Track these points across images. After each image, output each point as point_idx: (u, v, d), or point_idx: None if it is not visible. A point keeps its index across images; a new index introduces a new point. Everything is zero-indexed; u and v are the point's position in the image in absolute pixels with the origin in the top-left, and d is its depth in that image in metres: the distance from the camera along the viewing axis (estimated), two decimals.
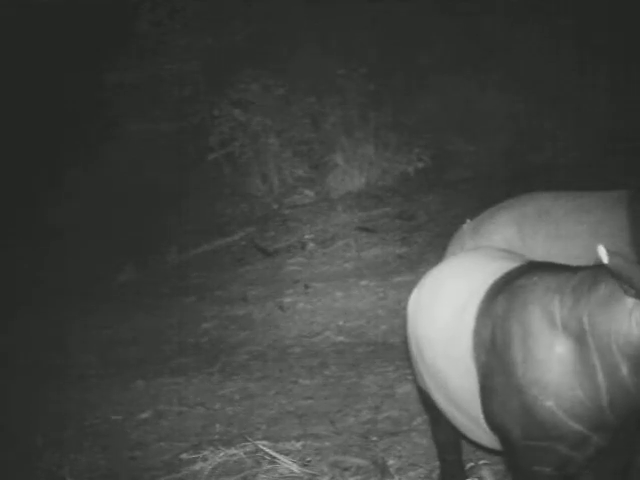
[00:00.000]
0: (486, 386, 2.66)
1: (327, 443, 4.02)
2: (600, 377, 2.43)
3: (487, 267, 2.86)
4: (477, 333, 2.68)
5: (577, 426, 2.49)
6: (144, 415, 4.67)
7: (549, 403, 2.50)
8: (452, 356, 2.77)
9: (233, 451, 3.99)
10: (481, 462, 3.58)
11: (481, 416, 2.71)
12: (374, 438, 4.02)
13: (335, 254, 7.08)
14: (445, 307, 2.88)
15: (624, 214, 3.63)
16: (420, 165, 8.39)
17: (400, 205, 7.88)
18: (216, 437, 4.24)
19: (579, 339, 2.46)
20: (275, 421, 4.37)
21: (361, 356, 5.12)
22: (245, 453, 3.97)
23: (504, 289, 2.68)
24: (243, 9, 9.40)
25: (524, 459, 2.61)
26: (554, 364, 2.50)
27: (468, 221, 3.92)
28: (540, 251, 3.53)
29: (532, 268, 2.72)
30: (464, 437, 3.05)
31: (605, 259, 2.34)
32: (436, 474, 3.52)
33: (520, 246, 3.56)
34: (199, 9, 9.54)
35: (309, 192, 8.58)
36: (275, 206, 8.48)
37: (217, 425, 4.42)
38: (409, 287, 6.03)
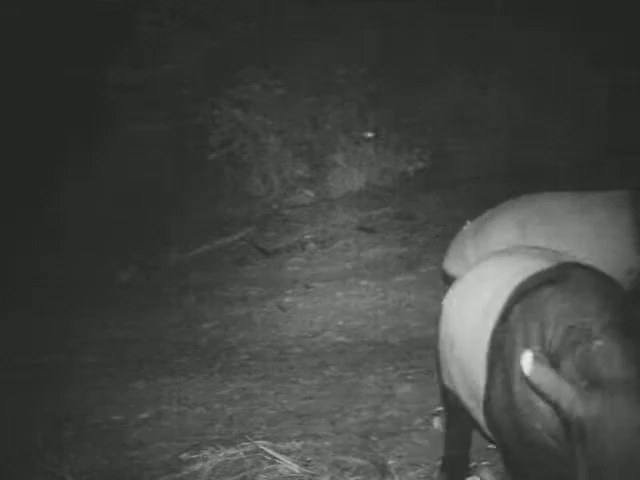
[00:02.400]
0: (488, 393, 2.66)
1: (327, 443, 4.02)
2: None
3: (514, 267, 2.80)
4: (494, 338, 2.65)
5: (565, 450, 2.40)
6: (144, 415, 4.67)
7: (538, 426, 2.47)
8: (476, 357, 2.75)
9: (233, 451, 3.99)
10: (483, 463, 3.59)
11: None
12: (374, 438, 4.02)
13: (335, 254, 7.08)
14: (472, 308, 2.86)
15: (627, 214, 3.62)
16: (420, 165, 8.39)
17: (400, 205, 7.88)
18: (216, 437, 4.24)
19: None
20: (275, 421, 4.37)
21: (361, 356, 5.12)
22: (245, 453, 3.96)
23: (521, 299, 2.61)
24: (243, 9, 9.40)
25: (519, 468, 2.64)
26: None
27: (468, 223, 3.90)
28: None
29: (554, 276, 2.60)
30: (483, 433, 3.05)
31: (526, 369, 2.23)
32: (436, 474, 3.53)
33: None
34: (199, 9, 9.55)
35: (309, 192, 8.58)
36: (275, 206, 8.48)
37: (217, 425, 4.41)
38: (409, 287, 6.10)
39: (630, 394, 2.19)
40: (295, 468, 3.77)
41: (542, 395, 2.26)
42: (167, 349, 5.71)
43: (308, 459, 3.88)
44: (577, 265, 2.66)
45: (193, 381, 5.04)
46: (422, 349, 4.85)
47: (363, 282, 6.32)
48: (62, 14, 9.16)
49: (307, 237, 7.52)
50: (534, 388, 2.26)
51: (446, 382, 3.15)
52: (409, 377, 4.59)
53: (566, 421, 2.23)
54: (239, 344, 5.62)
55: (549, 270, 2.65)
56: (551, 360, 2.32)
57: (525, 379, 2.26)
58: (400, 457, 3.80)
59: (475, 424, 3.00)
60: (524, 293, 2.62)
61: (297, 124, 8.71)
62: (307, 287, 6.40)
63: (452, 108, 8.65)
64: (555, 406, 2.24)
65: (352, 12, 8.97)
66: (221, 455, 3.97)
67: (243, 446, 4.01)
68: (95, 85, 9.33)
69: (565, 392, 2.21)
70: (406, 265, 6.54)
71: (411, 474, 3.65)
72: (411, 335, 5.29)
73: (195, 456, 4.03)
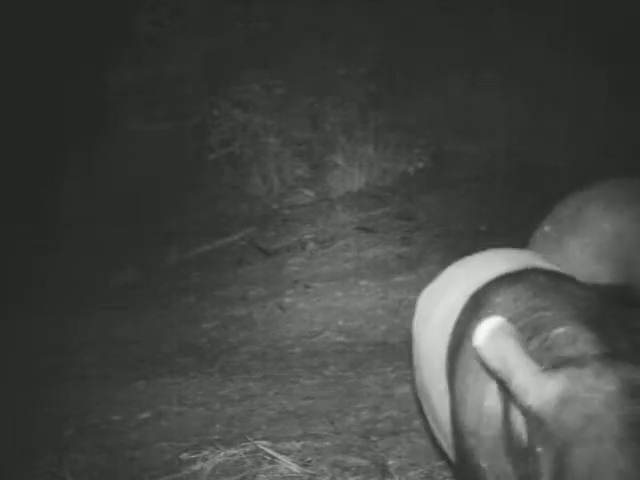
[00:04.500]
0: (453, 417, 2.35)
1: (327, 443, 4.02)
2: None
3: (474, 275, 2.49)
4: (450, 355, 2.35)
5: None
6: (144, 415, 4.67)
7: (484, 465, 2.13)
8: (434, 376, 2.49)
9: (233, 451, 3.99)
10: None
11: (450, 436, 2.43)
12: (374, 438, 4.02)
13: (335, 254, 7.08)
14: (432, 323, 2.59)
15: None
16: (420, 165, 8.39)
17: (400, 205, 7.87)
18: (216, 437, 4.24)
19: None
20: (275, 421, 4.37)
21: (361, 356, 5.12)
22: (245, 453, 3.97)
23: (475, 309, 2.31)
24: (243, 9, 9.40)
25: None
26: (484, 418, 2.11)
27: (548, 227, 3.54)
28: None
29: (512, 281, 2.30)
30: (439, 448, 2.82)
31: (479, 338, 1.87)
32: (436, 474, 3.53)
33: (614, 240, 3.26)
34: (199, 9, 9.55)
35: (309, 192, 8.58)
36: (275, 206, 8.48)
37: (217, 425, 4.42)
38: (409, 287, 6.10)
39: (600, 370, 1.85)
40: (295, 468, 3.77)
41: (493, 374, 1.92)
42: (167, 349, 5.71)
43: (308, 459, 3.88)
44: (539, 269, 2.39)
45: (193, 381, 5.04)
46: None
47: (363, 282, 6.32)
48: (62, 14, 9.16)
49: (307, 237, 7.52)
50: (484, 365, 1.92)
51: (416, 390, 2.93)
52: (409, 377, 4.58)
53: (523, 411, 1.89)
54: (239, 344, 5.62)
55: (507, 275, 2.38)
56: None
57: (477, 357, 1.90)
58: (400, 457, 3.80)
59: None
60: (478, 303, 2.34)
61: (297, 124, 8.70)
62: (307, 287, 6.40)
63: (452, 108, 8.65)
64: (507, 388, 1.89)
65: (352, 12, 8.97)
66: (221, 455, 3.97)
67: (243, 446, 4.01)
68: (95, 85, 9.33)
69: (523, 367, 1.85)
70: (406, 265, 6.54)
71: (411, 474, 3.65)
72: (411, 335, 5.29)
73: (195, 456, 4.03)
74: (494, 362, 1.86)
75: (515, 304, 2.19)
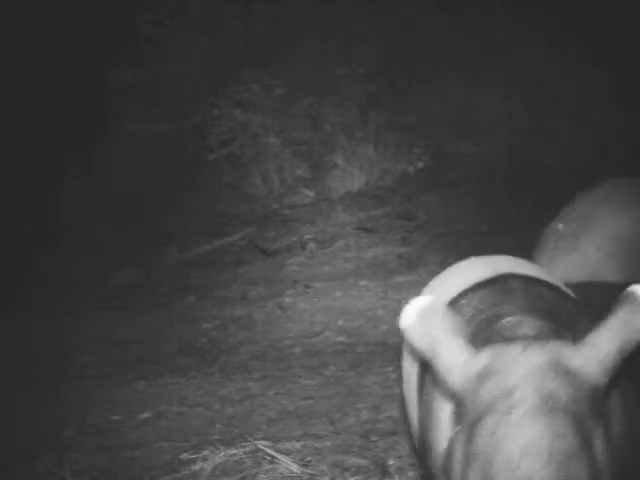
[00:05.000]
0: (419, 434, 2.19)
1: (327, 443, 4.02)
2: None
3: (450, 285, 2.36)
4: (420, 369, 2.19)
5: None
6: (144, 415, 4.67)
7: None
8: (411, 391, 2.33)
9: (233, 451, 3.99)
10: None
11: None
12: (374, 438, 4.02)
13: (335, 254, 7.08)
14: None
15: None
16: (420, 165, 8.39)
17: (400, 205, 7.87)
18: (216, 437, 4.24)
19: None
20: (275, 421, 4.37)
21: (361, 356, 5.12)
22: (245, 453, 3.97)
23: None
24: (243, 9, 9.40)
25: None
26: (442, 442, 1.90)
27: (561, 225, 3.35)
28: None
29: (480, 287, 2.16)
30: None
31: (404, 320, 1.79)
32: None
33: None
34: (199, 9, 9.55)
35: (309, 192, 8.58)
36: (275, 206, 8.48)
37: (217, 425, 4.41)
38: (409, 287, 6.10)
39: (527, 345, 1.70)
40: (295, 468, 3.77)
41: (420, 355, 1.77)
42: (167, 349, 5.71)
43: (308, 459, 3.88)
44: (514, 275, 2.21)
45: (193, 381, 5.04)
46: None
47: (363, 282, 6.32)
48: (62, 14, 9.16)
49: (307, 237, 7.52)
50: (412, 348, 1.78)
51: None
52: None
53: (448, 392, 1.75)
54: (239, 344, 5.62)
55: (478, 283, 2.23)
56: None
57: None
58: (400, 457, 3.80)
59: None
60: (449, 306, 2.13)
61: (297, 124, 8.70)
62: (307, 287, 6.40)
63: (452, 108, 8.65)
64: (434, 370, 1.73)
65: (352, 12, 8.97)
66: (221, 455, 3.97)
67: (243, 446, 4.01)
68: (95, 85, 9.32)
69: (451, 347, 1.71)
70: (406, 265, 6.54)
71: (411, 474, 3.65)
72: None
73: (195, 456, 4.03)
74: (420, 342, 1.75)
75: (478, 306, 2.09)
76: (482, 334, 1.92)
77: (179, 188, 8.76)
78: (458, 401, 1.72)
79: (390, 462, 3.75)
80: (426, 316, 1.77)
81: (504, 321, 1.92)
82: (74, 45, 9.13)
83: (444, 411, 1.92)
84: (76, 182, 8.84)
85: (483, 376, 1.68)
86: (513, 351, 1.69)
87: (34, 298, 6.90)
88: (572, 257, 3.22)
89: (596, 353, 1.68)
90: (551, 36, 8.37)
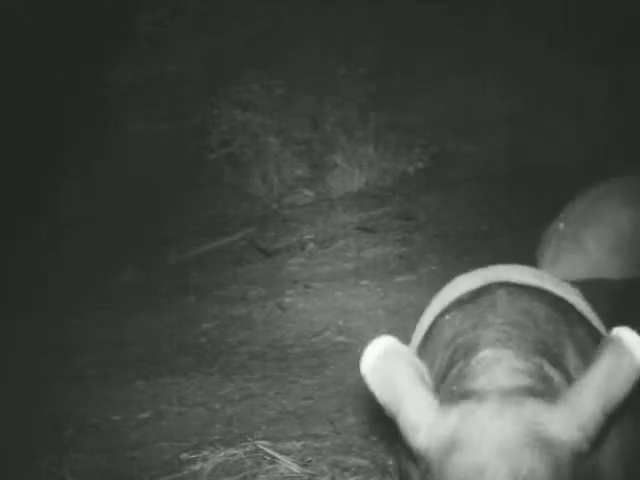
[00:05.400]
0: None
1: (327, 443, 4.02)
2: None
3: (444, 296, 2.23)
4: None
5: None
6: (144, 415, 4.67)
7: None
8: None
9: (233, 451, 3.99)
10: None
11: None
12: (374, 438, 4.02)
13: (335, 254, 7.07)
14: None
15: None
16: (420, 165, 8.39)
17: (400, 205, 7.87)
18: (216, 437, 4.24)
19: None
20: (275, 421, 4.37)
21: (361, 356, 5.11)
22: (245, 453, 3.96)
23: (427, 334, 2.07)
24: (243, 9, 9.41)
25: None
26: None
27: (562, 225, 3.35)
28: None
29: (468, 299, 2.02)
30: None
31: (364, 365, 1.66)
32: None
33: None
34: (199, 9, 9.55)
35: (309, 192, 8.58)
36: (275, 206, 8.48)
37: (217, 425, 4.41)
38: (409, 287, 6.09)
39: (500, 408, 1.54)
40: (295, 468, 3.77)
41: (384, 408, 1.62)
42: (167, 349, 5.71)
43: (308, 459, 3.88)
44: (503, 283, 2.04)
45: (193, 381, 5.04)
46: None
47: (363, 282, 6.31)
48: (62, 14, 9.16)
49: (307, 237, 7.52)
50: (375, 396, 1.62)
51: None
52: None
53: (413, 452, 1.59)
54: (239, 344, 5.61)
55: (467, 293, 2.11)
56: (435, 384, 1.73)
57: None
58: None
59: None
60: (432, 326, 2.13)
61: (297, 124, 8.70)
62: (307, 287, 6.40)
63: (452, 108, 8.66)
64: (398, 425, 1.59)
65: (353, 12, 8.97)
66: (221, 455, 3.97)
67: (243, 446, 4.01)
68: (95, 85, 9.33)
69: (415, 399, 1.57)
70: (406, 265, 6.54)
71: None
72: (411, 336, 5.29)
73: (195, 456, 4.03)
74: (381, 391, 1.60)
75: (460, 325, 1.91)
76: (455, 368, 1.75)
77: (179, 188, 8.76)
78: (425, 466, 1.57)
79: (390, 462, 3.75)
80: (388, 360, 1.64)
81: (480, 356, 1.72)
82: (74, 45, 9.13)
83: (414, 471, 1.75)
84: (76, 182, 8.84)
85: (452, 444, 1.52)
86: (485, 414, 1.53)
87: (34, 298, 6.90)
88: (574, 257, 3.23)
89: (577, 416, 1.52)
90: (551, 36, 8.37)
